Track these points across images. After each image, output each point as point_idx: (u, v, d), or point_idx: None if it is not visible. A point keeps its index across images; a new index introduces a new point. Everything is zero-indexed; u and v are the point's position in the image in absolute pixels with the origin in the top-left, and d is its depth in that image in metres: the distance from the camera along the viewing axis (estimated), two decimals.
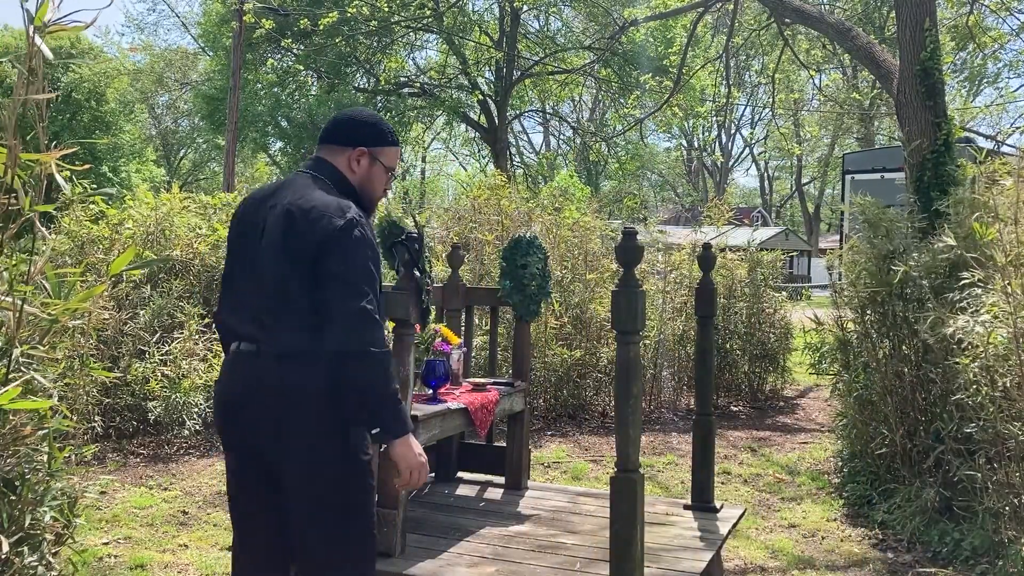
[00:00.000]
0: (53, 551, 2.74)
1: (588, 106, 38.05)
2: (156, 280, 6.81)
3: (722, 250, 8.49)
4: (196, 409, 6.04)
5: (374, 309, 2.20)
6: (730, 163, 46.53)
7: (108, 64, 25.44)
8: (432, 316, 3.34)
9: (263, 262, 2.28)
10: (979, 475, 3.84)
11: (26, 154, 2.44)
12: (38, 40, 2.42)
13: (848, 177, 15.78)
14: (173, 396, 5.97)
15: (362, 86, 25.82)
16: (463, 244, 7.17)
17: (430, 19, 21.27)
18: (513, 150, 33.23)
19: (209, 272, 7.08)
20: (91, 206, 6.77)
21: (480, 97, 23.29)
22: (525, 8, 22.25)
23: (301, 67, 24.10)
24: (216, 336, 6.39)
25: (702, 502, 3.79)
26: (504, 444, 4.14)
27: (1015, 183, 3.98)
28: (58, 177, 2.42)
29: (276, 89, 23.99)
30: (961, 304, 3.99)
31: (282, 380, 2.22)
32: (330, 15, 13.62)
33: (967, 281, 3.91)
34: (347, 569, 2.28)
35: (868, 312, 5.01)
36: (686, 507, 3.80)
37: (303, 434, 2.23)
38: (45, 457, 2.73)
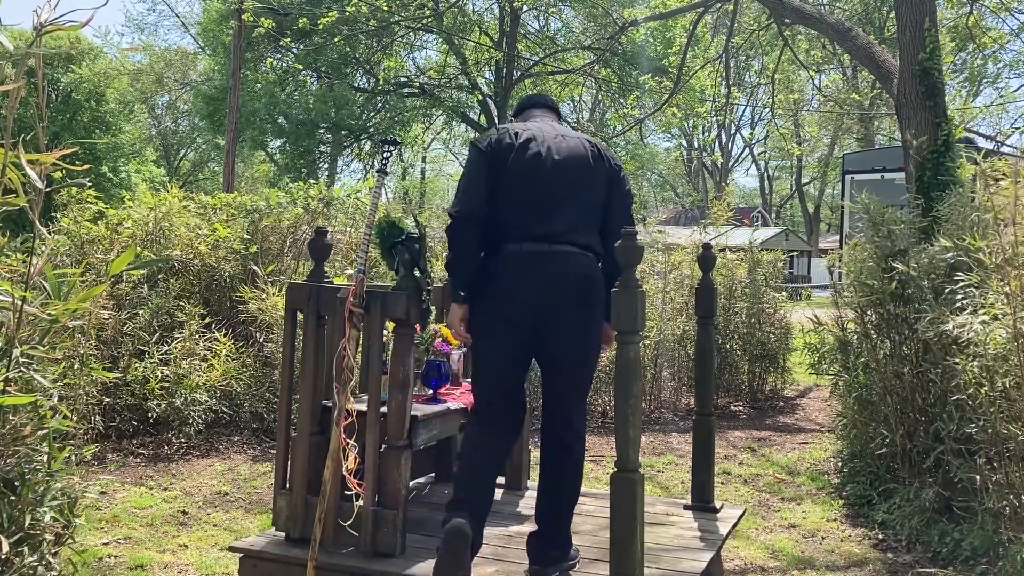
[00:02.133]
0: (53, 551, 2.74)
1: (588, 106, 38.05)
2: (155, 280, 6.81)
3: (721, 250, 8.50)
4: (202, 408, 6.05)
5: None
6: (730, 163, 46.51)
7: (108, 64, 25.41)
8: (432, 316, 3.34)
9: (568, 178, 2.97)
10: (979, 475, 3.85)
11: (26, 154, 2.43)
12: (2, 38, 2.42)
13: (848, 177, 15.79)
14: (179, 392, 5.98)
15: (362, 86, 25.82)
16: None
17: (430, 19, 21.25)
18: None
19: (209, 272, 7.07)
20: (88, 205, 6.76)
21: (480, 97, 23.28)
22: (525, 8, 22.23)
23: (300, 67, 24.09)
24: (215, 336, 6.40)
25: (702, 502, 3.79)
26: None
27: (1012, 184, 3.98)
28: (31, 172, 2.41)
29: (276, 89, 23.99)
30: (959, 304, 3.99)
31: (587, 269, 2.95)
32: (329, 14, 13.61)
33: (965, 283, 3.92)
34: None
35: (868, 312, 5.01)
36: (686, 507, 3.80)
37: (598, 306, 2.97)
38: (45, 457, 2.73)
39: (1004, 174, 4.26)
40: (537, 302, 2.90)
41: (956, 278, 4.03)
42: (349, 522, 2.97)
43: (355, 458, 2.92)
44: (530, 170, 2.95)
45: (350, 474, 2.88)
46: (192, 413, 6.05)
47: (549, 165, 2.96)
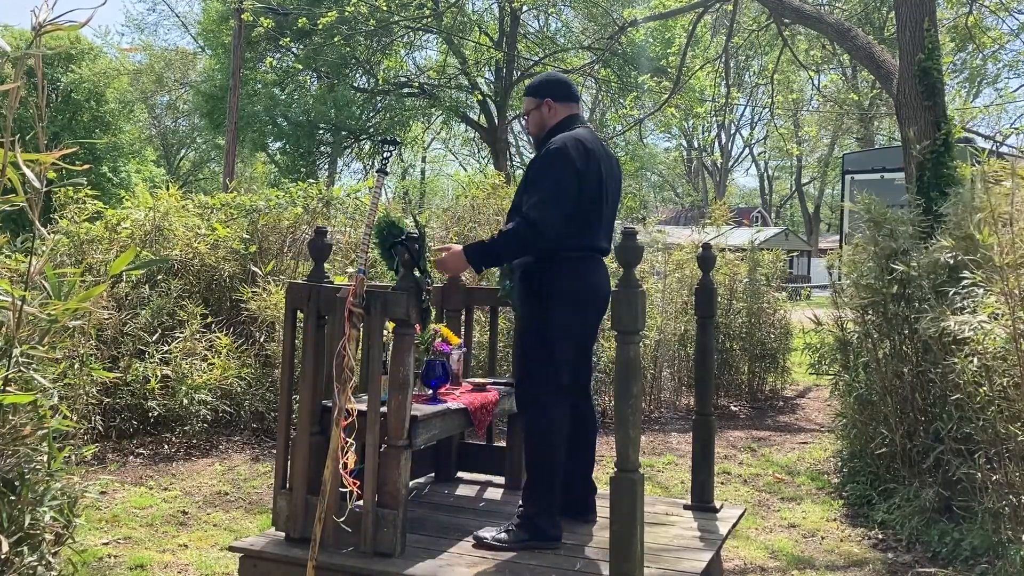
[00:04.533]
0: (53, 551, 2.74)
1: (588, 106, 38.05)
2: (155, 280, 6.81)
3: (721, 250, 8.51)
4: (202, 407, 6.05)
5: None
6: (730, 163, 46.52)
7: (108, 64, 25.41)
8: (432, 316, 3.34)
9: (614, 198, 3.37)
10: (979, 475, 3.85)
11: (25, 154, 2.43)
12: None
13: (848, 177, 15.78)
14: (179, 392, 5.98)
15: (362, 86, 25.80)
16: (463, 244, 7.16)
17: (430, 19, 21.25)
18: (513, 150, 33.23)
19: (209, 272, 7.07)
20: (87, 205, 6.75)
21: (480, 97, 23.28)
22: (525, 8, 22.23)
23: (300, 67, 24.07)
24: (215, 336, 6.41)
25: (702, 502, 3.78)
26: (504, 444, 4.14)
27: (1012, 184, 3.98)
28: (27, 171, 2.41)
29: (275, 89, 23.98)
30: (960, 304, 3.99)
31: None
32: (329, 14, 13.60)
33: (967, 283, 3.92)
34: None
35: (868, 312, 5.01)
36: (686, 507, 3.80)
37: None
38: (45, 457, 2.73)
39: (1002, 174, 4.26)
40: (600, 309, 3.35)
41: (957, 278, 4.03)
42: (343, 519, 2.97)
43: (354, 457, 2.92)
44: (596, 191, 3.23)
45: (346, 472, 2.88)
46: (192, 413, 6.05)
47: (609, 186, 3.31)
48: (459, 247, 3.25)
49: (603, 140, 3.70)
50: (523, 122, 3.98)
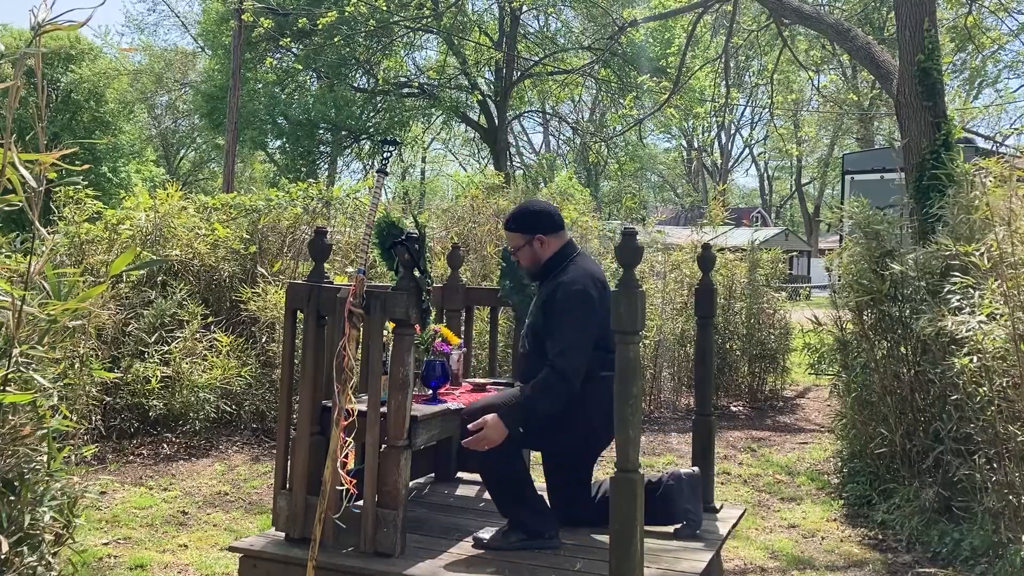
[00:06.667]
0: (53, 551, 2.74)
1: (588, 106, 38.04)
2: (155, 281, 6.80)
3: (720, 250, 8.50)
4: (202, 407, 6.05)
5: None
6: (730, 163, 46.52)
7: (107, 64, 25.43)
8: (432, 316, 3.34)
9: None
10: (978, 475, 3.85)
11: (25, 154, 2.43)
12: None
13: (848, 177, 15.81)
14: (179, 392, 5.98)
15: (362, 86, 25.81)
16: (462, 244, 7.17)
17: (430, 19, 21.26)
18: (513, 150, 33.23)
19: (209, 272, 7.06)
20: (87, 205, 6.73)
21: (480, 97, 23.29)
22: (525, 8, 22.23)
23: (300, 67, 24.08)
24: (215, 335, 6.41)
25: (702, 502, 3.78)
26: None
27: (1008, 184, 3.99)
28: (23, 171, 2.41)
29: (275, 89, 23.98)
30: (956, 304, 3.99)
31: None
32: (329, 14, 13.61)
33: (963, 283, 3.92)
34: None
35: (865, 313, 5.02)
36: None
37: None
38: (45, 457, 2.73)
39: (1001, 175, 4.27)
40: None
41: (951, 278, 4.04)
42: (338, 515, 2.97)
43: (351, 455, 2.92)
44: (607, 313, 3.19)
45: (343, 470, 2.88)
46: (192, 413, 6.05)
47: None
48: (492, 416, 3.07)
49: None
50: (511, 253, 3.62)
